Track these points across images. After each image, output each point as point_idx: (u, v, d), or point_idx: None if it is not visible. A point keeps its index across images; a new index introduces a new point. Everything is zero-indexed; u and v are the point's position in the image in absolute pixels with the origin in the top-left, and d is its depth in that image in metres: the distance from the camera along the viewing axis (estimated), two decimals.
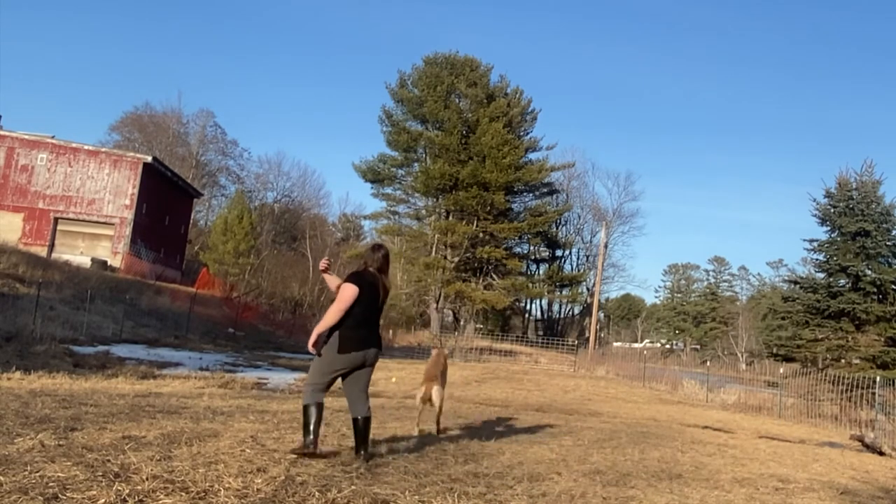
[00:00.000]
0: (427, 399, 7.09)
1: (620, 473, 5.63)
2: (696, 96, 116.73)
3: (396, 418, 8.14)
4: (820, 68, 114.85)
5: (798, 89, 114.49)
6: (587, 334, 42.63)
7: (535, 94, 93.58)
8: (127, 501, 3.33)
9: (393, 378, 16.42)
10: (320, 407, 4.80)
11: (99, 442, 4.67)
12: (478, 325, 44.14)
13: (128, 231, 32.17)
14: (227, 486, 3.76)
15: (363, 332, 4.82)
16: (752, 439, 10.60)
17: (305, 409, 4.80)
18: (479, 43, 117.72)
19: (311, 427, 4.72)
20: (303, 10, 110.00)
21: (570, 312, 58.63)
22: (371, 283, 4.87)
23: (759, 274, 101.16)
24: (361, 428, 4.84)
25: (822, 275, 26.35)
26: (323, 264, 5.27)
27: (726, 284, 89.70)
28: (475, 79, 39.36)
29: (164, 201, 36.24)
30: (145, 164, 33.12)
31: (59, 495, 3.30)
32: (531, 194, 44.00)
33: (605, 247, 45.55)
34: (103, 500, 3.29)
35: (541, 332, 50.08)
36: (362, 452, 4.79)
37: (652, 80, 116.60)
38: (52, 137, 33.17)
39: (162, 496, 3.46)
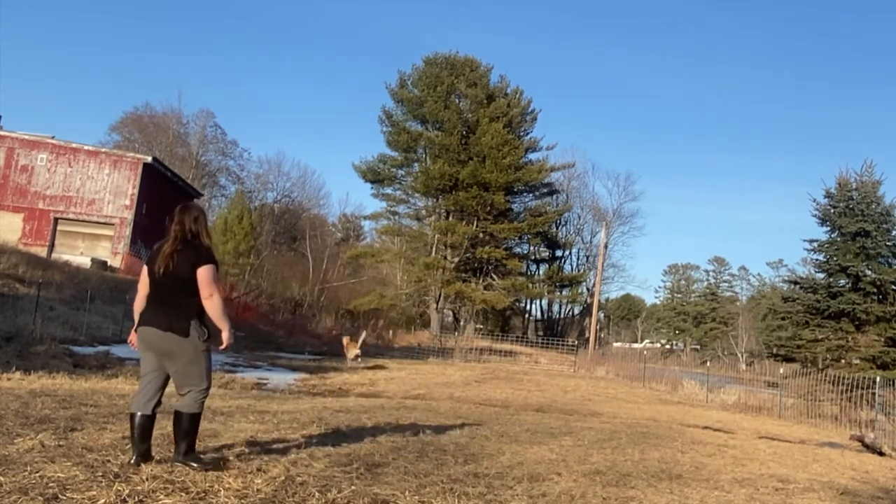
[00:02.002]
0: (354, 355, 19.61)
1: (620, 473, 5.63)
2: (696, 96, 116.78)
3: (396, 418, 8.14)
4: (820, 68, 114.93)
5: (798, 89, 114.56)
6: (587, 334, 42.60)
7: (535, 94, 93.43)
8: (127, 501, 3.33)
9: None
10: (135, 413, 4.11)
11: (99, 442, 4.67)
12: (478, 326, 44.14)
13: (128, 231, 32.16)
14: (227, 486, 3.76)
15: (145, 308, 4.19)
16: (752, 440, 10.60)
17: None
18: (479, 43, 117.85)
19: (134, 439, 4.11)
20: (302, 10, 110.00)
21: (570, 312, 58.58)
22: (154, 254, 4.16)
23: (759, 274, 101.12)
24: (182, 424, 4.13)
25: (822, 275, 26.32)
26: None
27: (726, 285, 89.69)
28: (475, 79, 39.37)
29: (164, 201, 36.13)
30: (145, 165, 33.10)
31: (59, 495, 3.30)
32: (531, 194, 44.06)
33: (605, 247, 45.52)
34: (103, 500, 3.30)
35: (541, 333, 50.02)
36: (179, 458, 4.11)
37: (652, 80, 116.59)
38: (52, 137, 33.14)
39: (162, 496, 3.46)
